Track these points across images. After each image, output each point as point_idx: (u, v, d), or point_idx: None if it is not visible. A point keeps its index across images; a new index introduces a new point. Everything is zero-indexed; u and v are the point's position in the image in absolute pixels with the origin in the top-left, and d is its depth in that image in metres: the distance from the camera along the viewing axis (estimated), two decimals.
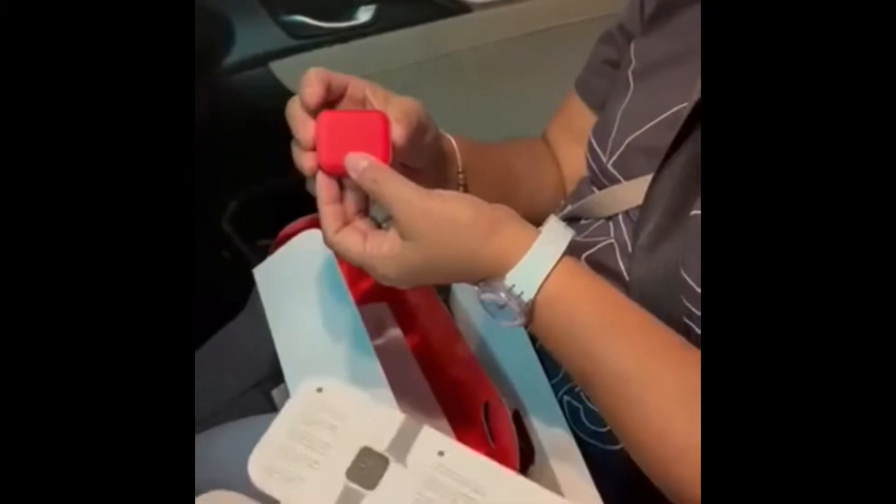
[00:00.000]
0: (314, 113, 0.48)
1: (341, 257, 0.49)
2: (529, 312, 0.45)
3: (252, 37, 0.98)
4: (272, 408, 0.72)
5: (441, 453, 0.43)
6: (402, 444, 0.43)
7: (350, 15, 0.99)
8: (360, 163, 0.47)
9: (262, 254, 0.78)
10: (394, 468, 0.42)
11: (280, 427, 0.44)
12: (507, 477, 0.43)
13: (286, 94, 1.02)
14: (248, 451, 0.62)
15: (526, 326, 0.47)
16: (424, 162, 0.54)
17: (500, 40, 1.00)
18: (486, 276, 0.46)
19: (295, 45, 0.98)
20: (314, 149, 0.48)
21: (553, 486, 0.51)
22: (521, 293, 0.45)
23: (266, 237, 1.07)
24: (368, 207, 0.50)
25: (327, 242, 0.49)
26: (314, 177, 0.48)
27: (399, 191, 0.47)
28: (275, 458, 0.43)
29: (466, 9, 0.99)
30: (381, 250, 0.47)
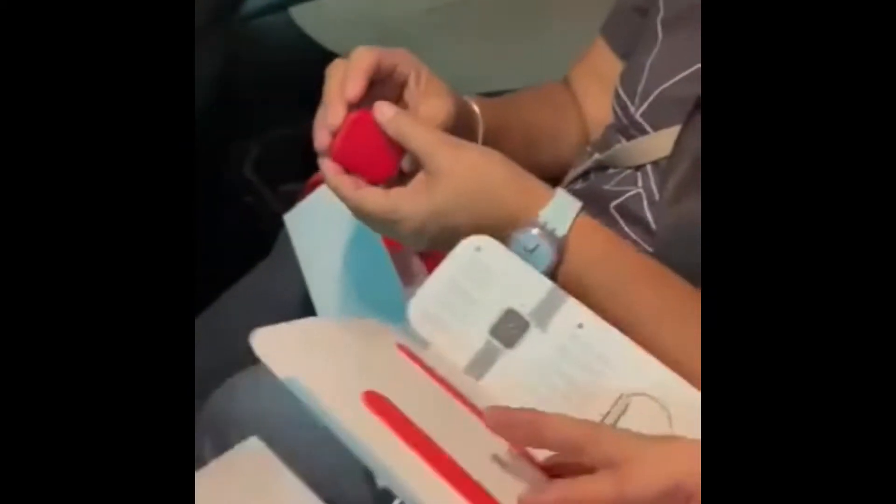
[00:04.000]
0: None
1: (365, 216, 0.50)
2: (561, 251, 0.47)
3: None
4: None
5: (580, 325, 0.46)
6: (545, 311, 0.46)
7: None
8: (389, 111, 0.49)
9: (285, 199, 0.79)
10: (533, 332, 0.46)
11: (439, 278, 0.47)
12: (638, 354, 0.46)
13: (306, 41, 1.03)
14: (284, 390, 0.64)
15: (555, 270, 0.48)
16: None
17: None
18: (515, 219, 0.48)
19: None
20: (335, 133, 0.50)
21: None
22: (555, 229, 0.47)
23: (288, 182, 1.09)
24: None
25: (349, 202, 0.50)
26: (325, 154, 0.51)
27: (428, 133, 0.49)
28: (431, 304, 0.47)
29: None
30: (405, 192, 0.49)
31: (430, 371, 0.44)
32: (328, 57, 1.02)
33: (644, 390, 0.44)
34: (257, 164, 1.09)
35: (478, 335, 0.46)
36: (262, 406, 0.62)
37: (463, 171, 0.48)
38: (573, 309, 0.46)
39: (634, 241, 0.58)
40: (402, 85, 0.53)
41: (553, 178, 0.69)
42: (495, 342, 0.46)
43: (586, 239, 0.48)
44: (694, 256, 0.52)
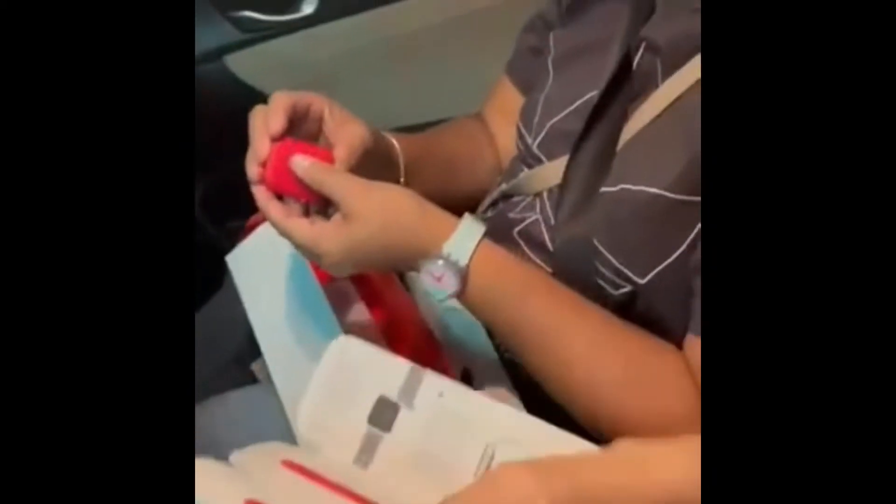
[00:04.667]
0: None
1: (290, 240, 0.55)
2: (464, 278, 0.53)
3: (204, 33, 1.03)
4: (253, 380, 0.80)
5: (441, 394, 0.52)
6: (410, 390, 0.52)
7: (296, 7, 1.04)
8: (304, 163, 0.55)
9: (232, 235, 0.84)
10: (404, 412, 0.51)
11: (316, 387, 0.53)
12: (493, 406, 0.51)
13: (241, 85, 1.08)
14: (240, 417, 0.69)
15: (460, 295, 0.54)
16: (369, 176, 0.60)
17: (442, 21, 1.05)
18: (423, 251, 0.53)
19: (246, 38, 1.04)
20: (264, 164, 0.55)
21: None
22: (458, 260, 0.53)
23: (234, 219, 1.14)
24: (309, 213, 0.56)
25: (277, 227, 0.54)
26: (256, 183, 0.56)
27: (341, 179, 0.54)
28: (313, 413, 0.52)
29: None
30: (326, 229, 0.53)
31: (313, 477, 0.49)
32: (263, 99, 1.08)
33: (505, 437, 0.50)
34: (203, 202, 1.14)
35: (358, 427, 0.51)
36: (218, 435, 0.67)
37: (373, 212, 0.53)
38: (432, 381, 0.52)
39: (536, 263, 0.63)
40: (320, 120, 0.58)
41: (472, 204, 0.75)
42: (374, 430, 0.51)
43: (485, 265, 0.53)
44: (586, 269, 0.58)
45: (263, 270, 0.71)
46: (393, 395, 0.51)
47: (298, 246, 0.55)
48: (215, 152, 1.07)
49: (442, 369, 0.62)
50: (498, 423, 0.50)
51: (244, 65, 1.04)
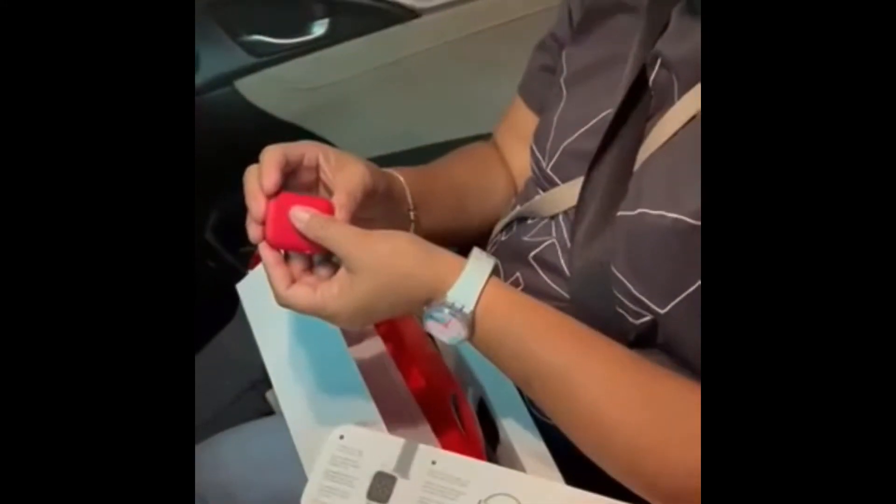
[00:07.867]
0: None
1: (295, 311, 0.54)
2: (471, 324, 0.51)
3: (215, 58, 1.03)
4: (268, 409, 0.78)
5: (434, 462, 0.54)
6: (405, 462, 0.54)
7: (306, 30, 1.04)
8: (304, 216, 0.53)
9: (245, 260, 0.83)
10: (401, 482, 0.53)
11: (318, 472, 0.55)
12: (484, 467, 0.54)
13: (253, 109, 1.08)
14: (252, 454, 0.68)
15: (470, 340, 0.52)
16: (376, 213, 0.59)
17: (450, 41, 1.05)
18: (428, 299, 0.52)
19: (257, 62, 1.04)
20: (264, 222, 0.53)
21: (516, 461, 0.58)
22: (463, 307, 0.51)
23: (248, 244, 1.13)
24: (313, 266, 0.55)
25: (279, 300, 0.53)
26: (258, 242, 0.54)
27: (341, 231, 0.52)
28: (318, 496, 0.54)
29: (415, 14, 1.03)
30: (331, 291, 0.52)
31: None
32: (274, 123, 1.08)
33: (496, 491, 0.52)
34: (216, 228, 1.14)
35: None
36: (227, 475, 0.66)
37: (375, 264, 0.51)
38: (424, 452, 0.54)
39: (553, 289, 0.62)
40: (316, 168, 0.57)
41: (486, 228, 0.74)
42: (373, 503, 0.53)
43: (492, 309, 0.51)
44: (603, 296, 0.56)
45: (273, 300, 0.70)
46: (389, 468, 0.54)
47: (304, 313, 0.53)
48: (227, 177, 1.07)
49: (456, 399, 0.61)
50: (488, 480, 0.53)
51: (256, 89, 1.04)
